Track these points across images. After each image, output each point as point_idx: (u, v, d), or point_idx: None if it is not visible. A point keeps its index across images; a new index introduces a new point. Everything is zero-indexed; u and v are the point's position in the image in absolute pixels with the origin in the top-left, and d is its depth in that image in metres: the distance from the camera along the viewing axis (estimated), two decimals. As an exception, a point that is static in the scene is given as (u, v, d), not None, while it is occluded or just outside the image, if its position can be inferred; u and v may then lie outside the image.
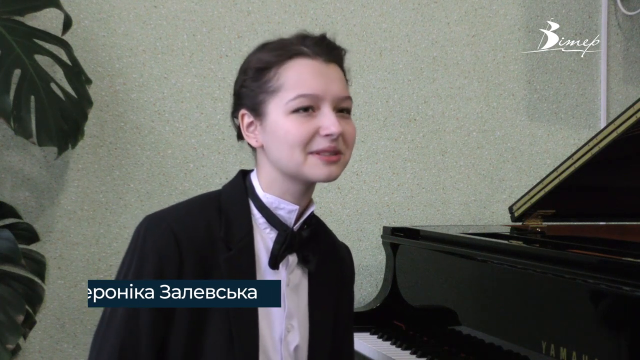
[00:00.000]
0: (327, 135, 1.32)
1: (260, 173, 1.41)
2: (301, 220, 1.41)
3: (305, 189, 1.40)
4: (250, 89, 1.37)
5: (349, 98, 1.39)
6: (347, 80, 1.43)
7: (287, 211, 1.39)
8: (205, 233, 1.34)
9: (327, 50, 1.37)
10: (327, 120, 1.32)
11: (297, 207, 1.39)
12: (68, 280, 2.41)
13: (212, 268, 1.33)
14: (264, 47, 1.40)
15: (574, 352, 1.60)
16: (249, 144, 1.43)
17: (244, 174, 1.44)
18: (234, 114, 1.43)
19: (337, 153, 1.34)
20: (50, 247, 2.38)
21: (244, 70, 1.40)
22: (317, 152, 1.33)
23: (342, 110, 1.37)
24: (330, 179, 1.35)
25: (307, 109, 1.33)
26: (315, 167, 1.33)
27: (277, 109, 1.33)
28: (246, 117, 1.39)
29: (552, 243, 1.96)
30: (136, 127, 2.47)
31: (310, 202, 1.43)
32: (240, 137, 1.45)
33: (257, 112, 1.37)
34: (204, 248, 1.33)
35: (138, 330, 1.29)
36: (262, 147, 1.38)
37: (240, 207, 1.39)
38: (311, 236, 1.42)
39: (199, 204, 1.40)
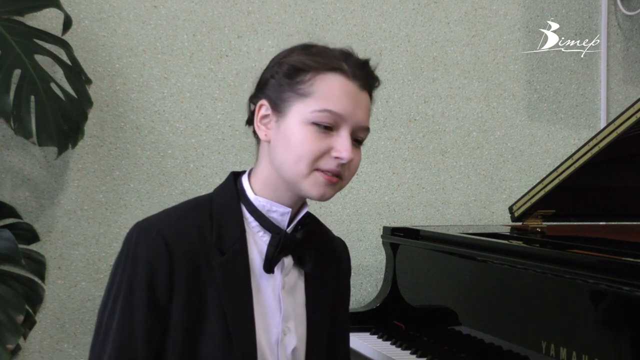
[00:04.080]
0: (336, 158, 1.32)
1: (258, 168, 1.40)
2: (294, 222, 1.40)
3: (297, 195, 1.38)
4: (279, 83, 1.35)
5: (368, 130, 1.38)
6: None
7: (279, 214, 1.38)
8: (197, 238, 1.33)
9: (365, 76, 1.36)
10: (342, 145, 1.32)
11: (289, 210, 1.38)
12: (68, 280, 2.41)
13: (206, 274, 1.32)
14: (308, 49, 1.38)
15: (574, 352, 1.60)
16: (255, 135, 1.42)
17: (235, 176, 1.43)
18: (253, 99, 1.41)
19: (338, 176, 1.34)
20: (50, 247, 2.38)
21: (279, 62, 1.38)
22: (323, 171, 1.32)
23: (357, 139, 1.37)
24: (322, 199, 1.35)
25: (328, 127, 1.32)
26: (314, 184, 1.33)
27: (299, 113, 1.32)
28: (264, 109, 1.37)
29: (552, 243, 1.96)
30: (136, 127, 2.47)
31: (303, 204, 1.43)
32: (249, 122, 1.43)
33: (278, 108, 1.35)
34: (196, 254, 1.33)
35: (133, 337, 1.29)
36: (268, 142, 1.37)
37: (232, 211, 1.38)
38: (305, 237, 1.41)
39: (190, 209, 1.38)
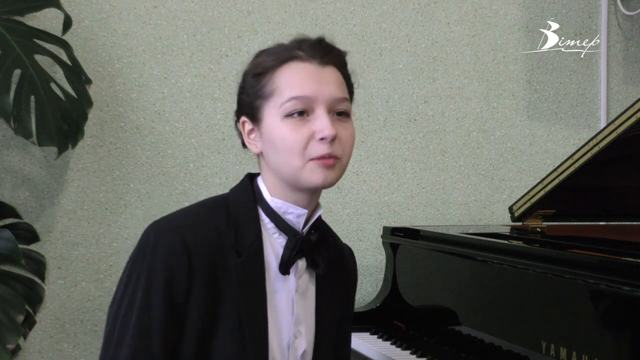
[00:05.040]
0: (321, 140, 1.30)
1: (265, 179, 1.40)
2: (309, 224, 1.40)
3: (309, 196, 1.38)
4: (248, 95, 1.37)
5: (345, 100, 1.36)
6: (350, 82, 1.41)
7: (295, 215, 1.37)
8: (214, 239, 1.33)
9: (322, 52, 1.36)
10: (320, 124, 1.31)
11: (305, 211, 1.37)
12: (68, 280, 2.41)
13: (222, 275, 1.32)
14: (262, 53, 1.40)
15: (574, 352, 1.60)
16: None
17: (251, 178, 1.43)
18: (237, 121, 1.43)
19: (332, 157, 1.32)
20: (50, 247, 2.38)
21: (243, 77, 1.41)
22: (315, 158, 1.31)
23: (341, 113, 1.35)
24: (325, 184, 1.33)
25: (302, 113, 1.31)
26: (312, 173, 1.31)
27: (272, 113, 1.33)
28: (247, 125, 1.39)
29: (552, 243, 1.96)
30: (136, 127, 2.47)
31: (317, 206, 1.42)
32: (244, 144, 1.44)
33: (255, 118, 1.36)
34: (214, 255, 1.32)
35: (150, 338, 1.28)
36: (262, 154, 1.37)
37: (248, 212, 1.37)
38: (320, 240, 1.41)
39: (207, 210, 1.38)
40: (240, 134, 1.43)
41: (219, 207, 1.38)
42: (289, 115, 1.31)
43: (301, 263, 1.40)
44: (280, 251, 1.37)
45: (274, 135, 1.32)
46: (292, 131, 1.31)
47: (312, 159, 1.31)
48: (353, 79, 1.42)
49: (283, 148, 1.31)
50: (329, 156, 1.31)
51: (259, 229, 1.37)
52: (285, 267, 1.37)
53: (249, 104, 1.37)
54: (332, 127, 1.31)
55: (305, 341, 1.41)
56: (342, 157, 1.34)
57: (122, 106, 2.45)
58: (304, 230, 1.39)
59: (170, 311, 1.29)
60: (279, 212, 1.37)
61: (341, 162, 1.35)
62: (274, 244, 1.38)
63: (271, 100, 1.33)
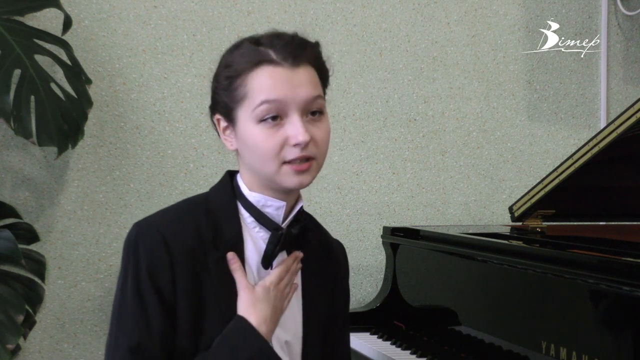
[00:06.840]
0: (295, 145, 1.31)
1: (242, 175, 1.42)
2: (290, 217, 1.41)
3: (286, 192, 1.39)
4: (221, 96, 1.39)
5: (319, 97, 1.35)
6: (325, 69, 1.40)
7: (274, 208, 1.39)
8: (194, 237, 1.35)
9: (294, 53, 1.33)
10: (294, 129, 1.30)
11: (284, 203, 1.39)
12: (68, 280, 2.41)
13: (204, 270, 1.34)
14: (236, 49, 1.39)
15: (574, 352, 1.60)
16: None
17: (231, 175, 1.45)
18: (212, 117, 1.45)
19: (308, 160, 1.33)
20: (50, 247, 2.38)
21: (216, 76, 1.42)
22: (289, 162, 1.32)
23: (314, 112, 1.35)
24: (301, 186, 1.35)
25: (275, 118, 1.31)
26: (286, 176, 1.32)
27: (245, 117, 1.34)
28: (221, 122, 1.41)
29: (552, 243, 1.96)
30: (136, 127, 2.47)
31: (298, 198, 1.43)
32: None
33: (229, 118, 1.38)
34: (194, 251, 1.34)
35: (150, 337, 1.30)
36: (237, 151, 1.39)
37: (228, 208, 1.39)
38: (301, 233, 1.42)
39: (187, 208, 1.40)
40: (215, 128, 1.45)
41: (198, 205, 1.40)
42: (263, 120, 1.31)
43: (283, 256, 1.42)
44: (262, 245, 1.39)
45: (248, 139, 1.33)
46: (265, 137, 1.31)
47: (286, 162, 1.32)
48: (328, 65, 1.42)
49: (257, 153, 1.33)
50: (305, 159, 1.32)
51: (239, 223, 1.39)
52: (268, 262, 1.39)
53: (224, 104, 1.38)
54: (306, 133, 1.30)
55: (289, 331, 1.42)
56: (317, 157, 1.35)
57: (122, 106, 2.46)
58: (285, 223, 1.40)
59: (162, 303, 1.31)
60: (258, 205, 1.39)
61: (317, 162, 1.35)
62: (254, 237, 1.40)
63: (244, 104, 1.34)
